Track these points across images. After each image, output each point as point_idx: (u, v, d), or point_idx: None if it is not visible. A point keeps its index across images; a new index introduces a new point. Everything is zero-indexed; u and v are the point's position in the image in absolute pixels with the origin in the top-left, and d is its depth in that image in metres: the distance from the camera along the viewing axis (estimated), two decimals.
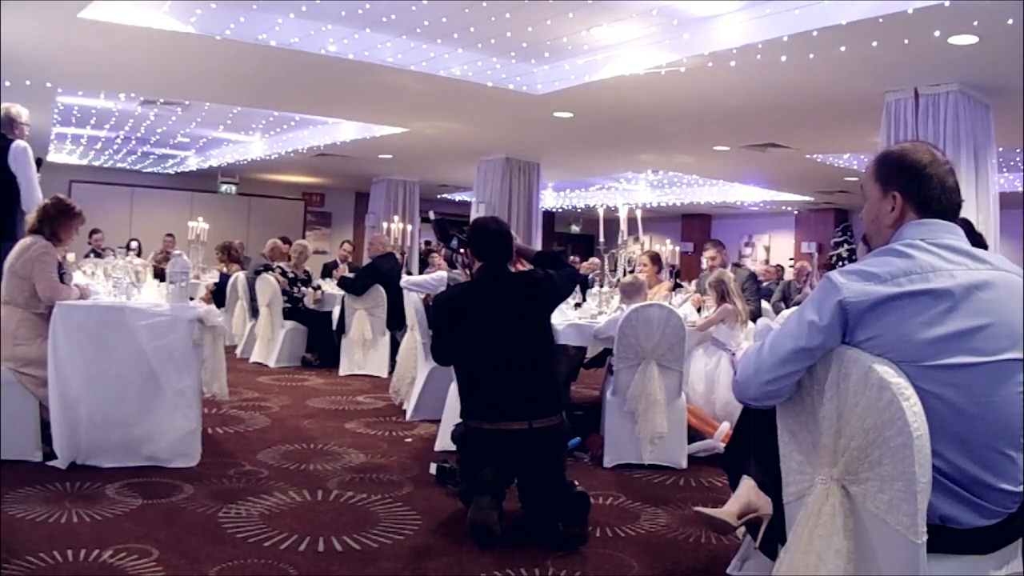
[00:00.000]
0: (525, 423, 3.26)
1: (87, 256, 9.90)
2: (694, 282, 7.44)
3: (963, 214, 2.01)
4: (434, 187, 16.02)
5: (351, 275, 8.06)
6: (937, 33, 5.32)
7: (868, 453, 1.72)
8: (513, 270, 3.63)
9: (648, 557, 3.09)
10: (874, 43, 5.56)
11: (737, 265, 7.68)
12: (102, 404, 3.86)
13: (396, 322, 7.26)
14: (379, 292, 7.40)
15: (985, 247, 3.22)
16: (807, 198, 14.84)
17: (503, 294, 3.41)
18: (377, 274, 7.50)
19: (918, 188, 1.90)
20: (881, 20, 5.11)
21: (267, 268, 8.21)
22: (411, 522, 3.37)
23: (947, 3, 4.81)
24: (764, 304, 7.24)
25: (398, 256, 8.53)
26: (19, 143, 4.96)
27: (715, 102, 7.61)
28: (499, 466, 3.26)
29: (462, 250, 3.73)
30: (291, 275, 8.23)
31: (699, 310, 5.67)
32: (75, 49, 6.74)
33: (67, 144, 12.48)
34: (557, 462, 3.36)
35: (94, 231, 11.69)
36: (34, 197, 4.80)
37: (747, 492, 2.41)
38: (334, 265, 11.25)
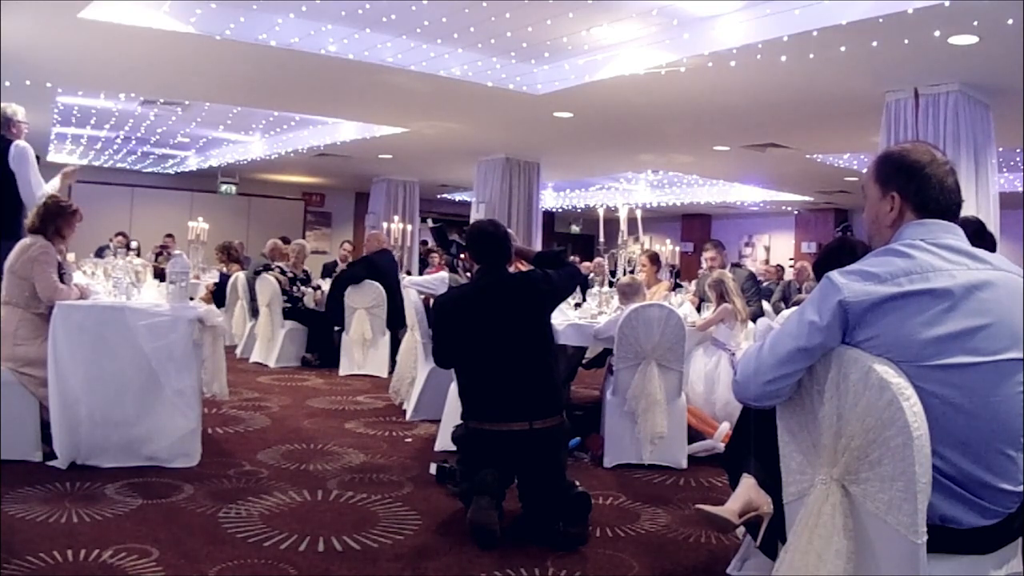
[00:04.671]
0: (526, 424, 3.26)
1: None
2: (694, 282, 7.45)
3: (963, 214, 2.01)
4: (434, 187, 16.03)
5: None
6: (937, 33, 5.32)
7: (868, 453, 1.72)
8: (513, 271, 3.64)
9: (648, 557, 3.09)
10: (874, 43, 5.56)
11: (737, 265, 7.68)
12: (102, 404, 3.85)
13: (396, 322, 7.26)
14: (379, 291, 7.39)
15: (994, 247, 3.22)
16: (807, 198, 14.84)
17: (502, 295, 3.41)
18: (372, 267, 7.49)
19: (916, 188, 1.90)
20: (881, 20, 5.12)
21: (267, 268, 8.21)
22: (411, 522, 3.37)
23: (947, 3, 4.81)
24: (764, 305, 7.25)
25: (395, 254, 8.51)
26: (19, 143, 4.96)
27: (715, 102, 7.61)
28: (500, 466, 3.27)
29: (462, 255, 3.75)
30: (290, 275, 8.23)
31: (699, 309, 5.67)
32: (75, 49, 6.74)
33: (67, 144, 12.48)
34: (558, 462, 3.36)
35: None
36: (34, 197, 4.80)
37: (747, 490, 2.42)
38: (334, 266, 11.25)
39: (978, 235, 2.71)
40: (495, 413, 3.31)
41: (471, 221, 12.12)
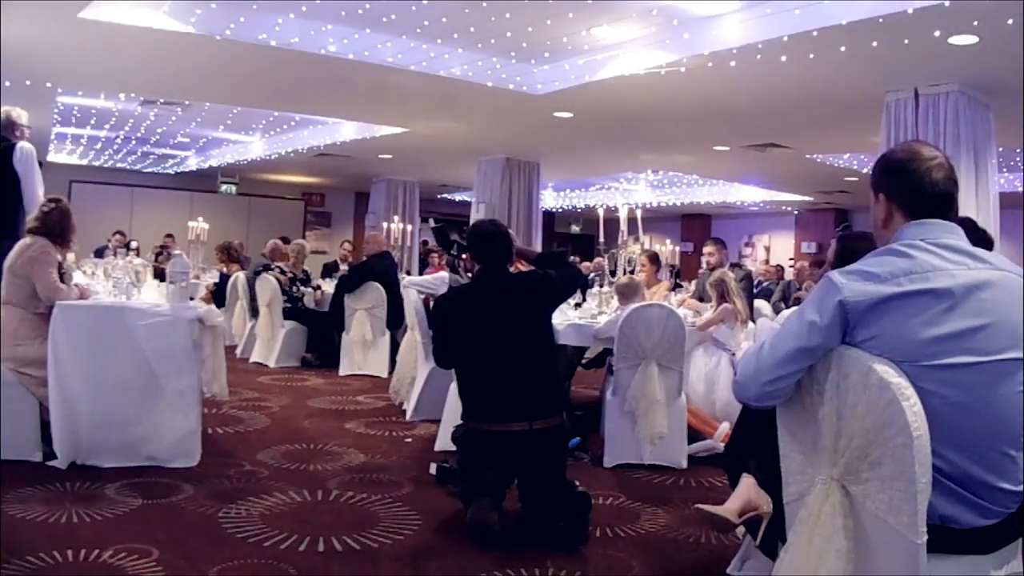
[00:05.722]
0: (526, 424, 3.26)
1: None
2: (694, 282, 7.44)
3: (963, 214, 2.00)
4: (434, 187, 16.03)
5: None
6: (937, 33, 5.32)
7: (868, 453, 1.72)
8: (513, 271, 3.64)
9: (648, 557, 3.09)
10: (874, 43, 5.56)
11: (736, 265, 7.67)
12: (102, 404, 3.86)
13: (396, 322, 7.26)
14: (379, 292, 7.39)
15: (991, 244, 3.21)
16: (807, 198, 14.84)
17: (503, 296, 3.41)
18: (370, 272, 7.49)
19: (898, 187, 1.91)
20: (881, 20, 5.11)
21: (267, 268, 8.21)
22: (411, 522, 3.37)
23: (947, 3, 4.81)
24: (765, 306, 7.25)
25: (395, 255, 8.50)
26: (24, 144, 5.01)
27: (715, 102, 7.61)
28: (500, 467, 3.27)
29: (463, 256, 3.75)
30: (290, 275, 8.23)
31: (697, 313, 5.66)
32: (75, 49, 6.74)
33: (67, 144, 12.49)
34: (558, 462, 3.36)
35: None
36: (36, 199, 4.81)
37: (747, 490, 2.42)
38: (334, 266, 11.25)
39: (973, 233, 2.71)
40: (495, 413, 3.31)
41: (471, 221, 12.14)
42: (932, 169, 1.89)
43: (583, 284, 5.60)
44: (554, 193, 16.88)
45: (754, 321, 5.36)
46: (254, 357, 8.02)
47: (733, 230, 17.92)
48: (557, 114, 8.47)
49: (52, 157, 12.88)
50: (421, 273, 11.29)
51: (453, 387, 4.05)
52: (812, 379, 1.86)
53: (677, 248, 9.92)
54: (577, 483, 3.37)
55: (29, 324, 4.00)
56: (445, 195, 17.40)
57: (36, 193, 4.87)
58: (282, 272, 8.16)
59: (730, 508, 2.40)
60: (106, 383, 3.87)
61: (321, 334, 8.05)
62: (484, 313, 3.39)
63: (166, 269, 4.43)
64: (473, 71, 7.21)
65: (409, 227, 12.07)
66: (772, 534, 2.26)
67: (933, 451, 1.66)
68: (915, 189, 1.88)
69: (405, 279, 7.32)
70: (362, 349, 7.41)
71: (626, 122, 8.76)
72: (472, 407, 3.41)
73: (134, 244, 8.93)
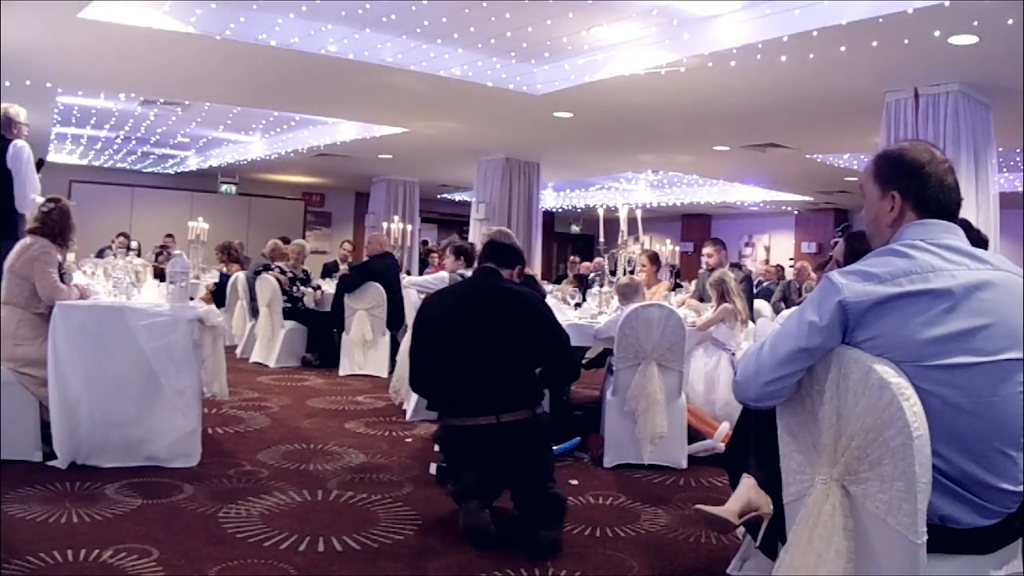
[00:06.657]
0: (493, 417, 3.23)
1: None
2: (694, 282, 7.45)
3: (963, 214, 2.00)
4: (434, 187, 16.04)
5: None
6: (937, 33, 5.33)
7: (868, 453, 1.72)
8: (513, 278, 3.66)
9: (648, 557, 3.09)
10: (874, 43, 5.56)
11: (736, 266, 7.67)
12: (102, 404, 3.85)
13: (396, 322, 7.26)
14: (379, 292, 7.39)
15: (985, 243, 3.21)
16: (807, 198, 14.84)
17: (492, 294, 3.42)
18: (371, 272, 7.49)
19: (916, 188, 1.90)
20: (881, 20, 5.12)
21: (267, 268, 8.21)
22: (411, 522, 3.37)
23: (947, 3, 4.81)
24: (765, 306, 7.25)
25: (396, 256, 8.50)
26: (17, 142, 4.97)
27: (715, 102, 7.61)
28: (476, 464, 3.25)
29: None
30: (290, 275, 8.23)
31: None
32: (75, 49, 6.74)
33: (67, 144, 12.49)
34: (530, 456, 3.28)
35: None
36: (27, 197, 4.79)
37: (747, 491, 2.42)
38: (335, 266, 11.26)
39: (968, 233, 2.71)
40: (462, 408, 3.29)
41: (471, 221, 12.17)
42: (946, 172, 1.91)
43: (583, 283, 5.60)
44: (554, 193, 16.89)
45: (754, 321, 5.36)
46: (254, 357, 8.02)
47: (733, 230, 17.93)
48: (557, 114, 8.47)
49: (52, 157, 12.88)
50: (421, 273, 11.30)
51: None
52: (812, 379, 1.86)
53: (677, 248, 9.93)
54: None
55: (29, 324, 4.00)
56: (445, 195, 17.41)
57: (25, 193, 4.84)
58: (282, 272, 8.16)
59: (730, 509, 2.40)
60: (106, 383, 3.87)
61: (321, 334, 8.05)
62: (465, 308, 3.39)
63: (166, 269, 4.43)
64: (473, 71, 7.21)
65: (409, 227, 12.08)
66: (772, 534, 2.26)
67: (933, 451, 1.66)
68: (935, 191, 1.89)
69: (405, 279, 7.33)
70: (362, 349, 7.40)
71: (626, 122, 8.77)
72: (442, 403, 3.41)
73: (134, 244, 8.93)
